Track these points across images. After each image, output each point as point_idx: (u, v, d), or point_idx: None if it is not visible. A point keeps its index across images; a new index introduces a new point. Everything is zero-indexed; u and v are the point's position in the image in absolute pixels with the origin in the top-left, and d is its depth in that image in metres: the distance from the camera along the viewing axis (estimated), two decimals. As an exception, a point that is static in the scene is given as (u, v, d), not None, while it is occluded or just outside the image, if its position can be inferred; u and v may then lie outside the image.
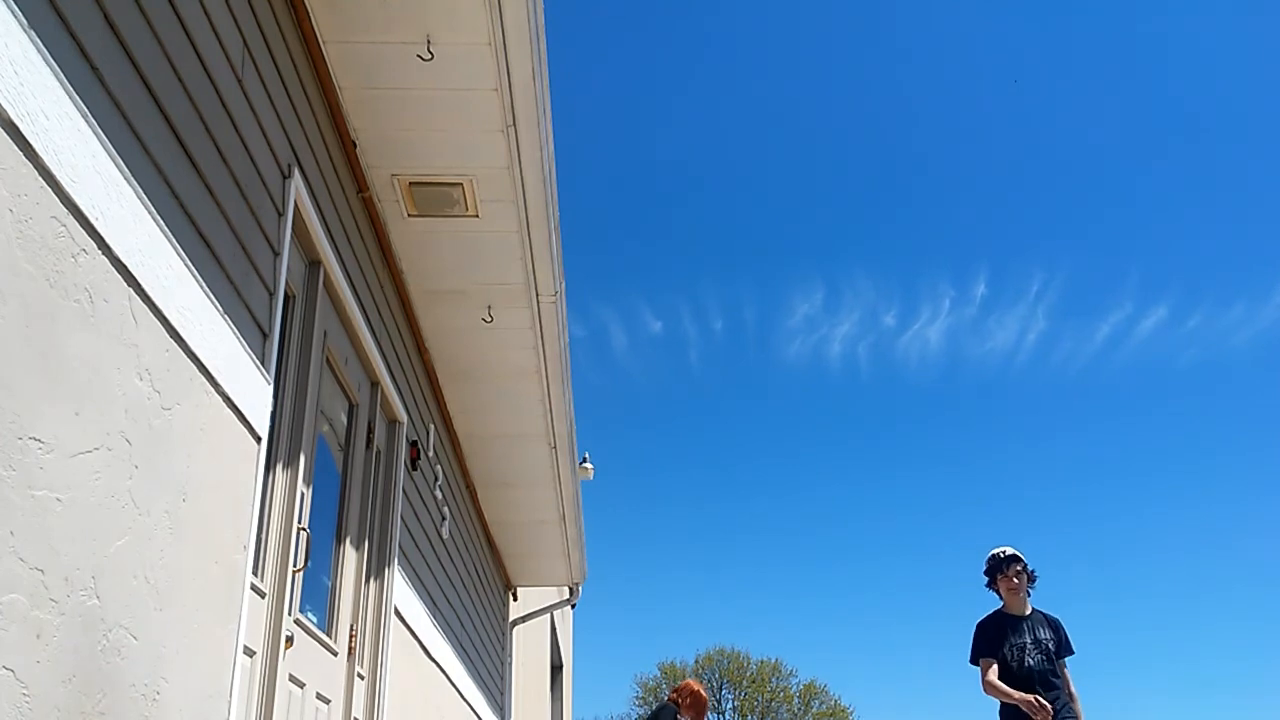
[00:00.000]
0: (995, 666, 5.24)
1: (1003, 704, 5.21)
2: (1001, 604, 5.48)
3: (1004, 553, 5.46)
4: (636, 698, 42.01)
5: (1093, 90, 49.24)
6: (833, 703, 42.04)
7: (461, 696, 7.17)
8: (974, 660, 5.36)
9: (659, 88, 51.11)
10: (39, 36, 2.00)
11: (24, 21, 1.95)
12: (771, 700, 42.26)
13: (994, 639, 5.33)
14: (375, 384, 4.90)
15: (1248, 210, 49.62)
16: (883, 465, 56.50)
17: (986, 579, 5.52)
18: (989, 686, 5.24)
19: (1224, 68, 49.24)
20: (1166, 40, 49.26)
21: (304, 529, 3.79)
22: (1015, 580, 5.40)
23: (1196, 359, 51.70)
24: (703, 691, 6.76)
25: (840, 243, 55.03)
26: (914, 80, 51.10)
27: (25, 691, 1.93)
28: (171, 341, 2.58)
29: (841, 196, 53.93)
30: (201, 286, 2.75)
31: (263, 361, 3.24)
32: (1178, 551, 53.05)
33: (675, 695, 6.85)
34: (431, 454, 6.10)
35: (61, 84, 2.08)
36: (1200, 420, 52.77)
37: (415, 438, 5.65)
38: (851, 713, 41.77)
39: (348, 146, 4.19)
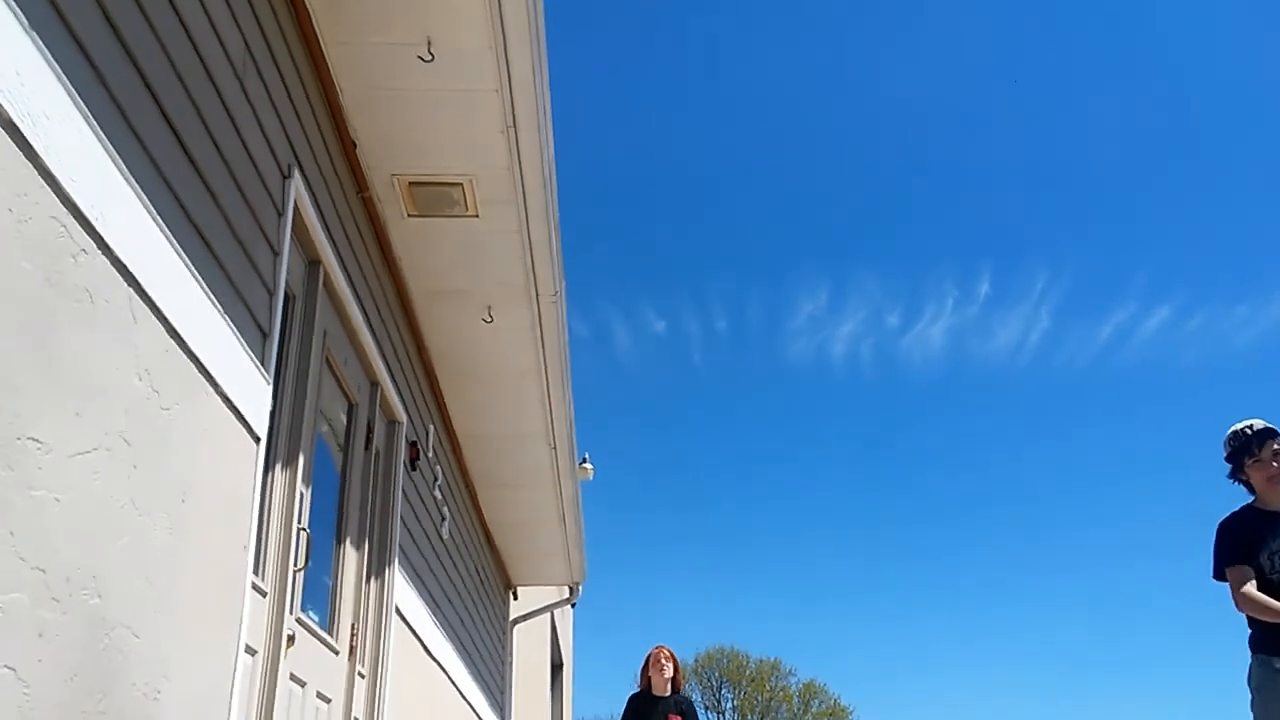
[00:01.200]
0: (1252, 580, 3.91)
1: (1256, 632, 3.93)
2: (1252, 498, 4.14)
3: (1253, 426, 4.11)
4: (637, 697, 41.97)
5: (1098, 89, 49.26)
6: (832, 702, 42.07)
7: (462, 695, 7.17)
8: (1218, 573, 4.04)
9: (663, 86, 51.11)
10: (39, 37, 2.00)
11: (24, 22, 1.95)
12: (771, 699, 42.27)
13: (1245, 542, 3.99)
14: (375, 384, 4.91)
15: (1252, 211, 49.63)
16: (885, 465, 56.50)
17: (1230, 465, 4.18)
18: (1245, 600, 3.90)
19: (1231, 67, 49.24)
20: (1173, 39, 49.26)
21: (304, 529, 3.79)
22: (1276, 463, 4.05)
23: (1200, 359, 51.68)
24: (651, 656, 6.13)
25: (844, 242, 55.06)
26: (918, 79, 51.08)
27: (27, 690, 1.93)
28: (171, 341, 2.58)
29: (846, 196, 53.95)
30: (201, 286, 2.76)
31: (262, 361, 3.25)
32: (1182, 551, 53.02)
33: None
34: (431, 454, 6.10)
35: (61, 84, 2.08)
36: (1204, 420, 52.73)
37: (415, 438, 5.65)
38: (851, 712, 41.81)
39: (348, 147, 4.19)
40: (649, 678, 6.10)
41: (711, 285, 55.86)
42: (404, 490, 5.40)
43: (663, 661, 6.08)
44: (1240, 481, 4.17)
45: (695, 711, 6.13)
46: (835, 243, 55.69)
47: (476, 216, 4.65)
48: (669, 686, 6.07)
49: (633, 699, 6.13)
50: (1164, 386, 53.66)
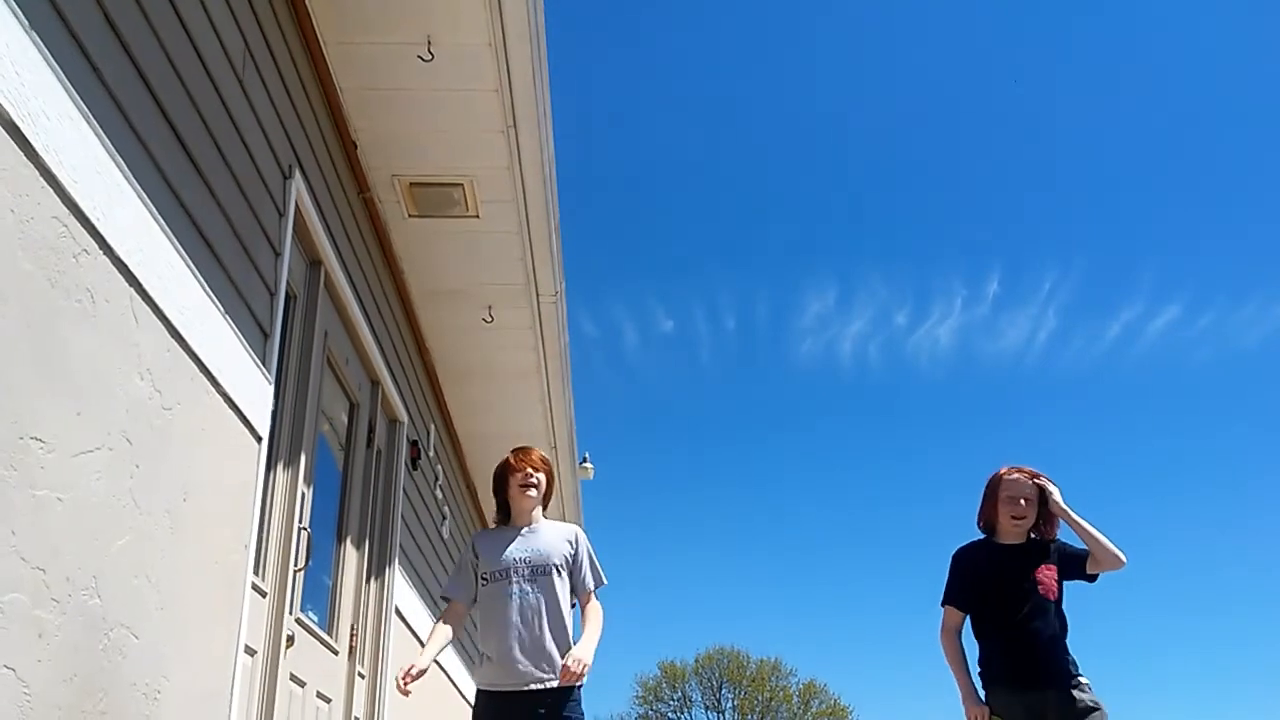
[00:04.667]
0: None
1: None
2: None
3: None
4: (636, 697, 42.06)
5: (1105, 87, 49.15)
6: (832, 702, 42.03)
7: (463, 696, 7.17)
8: None
9: (669, 85, 51.02)
10: (40, 37, 2.00)
11: (25, 22, 1.96)
12: (771, 699, 42.26)
13: None
14: (376, 384, 4.91)
15: (1261, 209, 49.50)
16: (890, 463, 56.41)
17: None
18: None
19: (1238, 64, 49.17)
20: (1179, 37, 49.18)
21: (305, 528, 3.79)
22: None
23: (1209, 357, 51.55)
24: (1001, 483, 3.68)
25: (853, 241, 54.88)
26: (925, 77, 51.02)
27: (26, 690, 1.94)
28: (173, 341, 2.58)
29: (854, 195, 53.81)
30: (203, 286, 2.76)
31: (264, 361, 3.25)
32: (1187, 551, 52.99)
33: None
34: (432, 453, 6.10)
35: (62, 85, 2.08)
36: (1212, 419, 52.66)
37: (415, 437, 5.65)
38: (851, 712, 41.79)
39: (348, 147, 4.19)
40: (993, 513, 3.69)
41: (720, 284, 55.73)
42: (405, 490, 5.40)
43: (1021, 499, 3.63)
44: None
45: (1072, 549, 3.65)
46: (843, 242, 55.54)
47: (476, 216, 4.66)
48: (1025, 533, 3.66)
49: (964, 553, 3.72)
50: (1173, 385, 53.54)
